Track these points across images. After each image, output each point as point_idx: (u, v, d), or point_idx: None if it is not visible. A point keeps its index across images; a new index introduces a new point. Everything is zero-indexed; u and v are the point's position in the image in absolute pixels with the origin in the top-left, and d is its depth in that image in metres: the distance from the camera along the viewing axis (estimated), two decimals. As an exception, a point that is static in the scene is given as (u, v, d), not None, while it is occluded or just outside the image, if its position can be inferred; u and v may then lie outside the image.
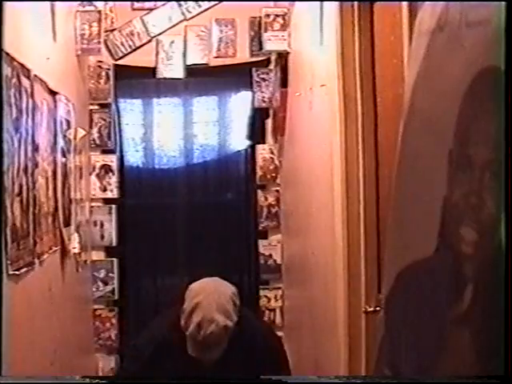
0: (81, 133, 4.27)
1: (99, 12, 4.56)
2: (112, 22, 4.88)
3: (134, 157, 5.23)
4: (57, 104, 3.57)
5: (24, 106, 2.84)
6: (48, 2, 3.59)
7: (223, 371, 3.02)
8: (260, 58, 5.02)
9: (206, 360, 3.01)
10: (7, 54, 2.57)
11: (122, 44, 4.93)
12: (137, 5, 4.96)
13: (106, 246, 4.98)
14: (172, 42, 4.98)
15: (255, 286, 5.12)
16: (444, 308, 1.35)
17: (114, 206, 4.97)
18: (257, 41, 4.90)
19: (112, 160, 5.00)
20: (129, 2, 4.94)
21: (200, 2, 4.91)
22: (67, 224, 3.79)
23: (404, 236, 1.59)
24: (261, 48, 4.81)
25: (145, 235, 5.16)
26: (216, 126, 5.28)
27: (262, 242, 5.11)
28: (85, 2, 4.56)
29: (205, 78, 5.19)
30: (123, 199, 5.07)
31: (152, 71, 5.00)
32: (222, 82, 5.27)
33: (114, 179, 4.97)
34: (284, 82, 4.68)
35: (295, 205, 4.48)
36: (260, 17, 4.74)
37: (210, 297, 3.04)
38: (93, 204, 4.90)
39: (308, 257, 3.91)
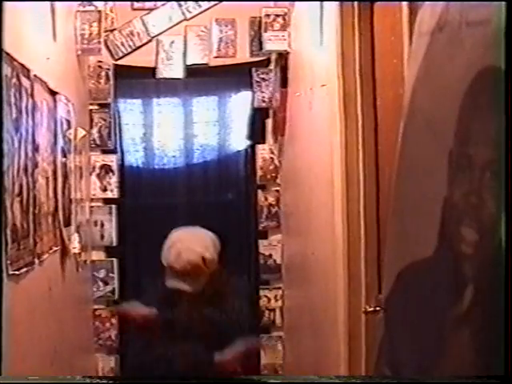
0: (81, 133, 4.27)
1: (99, 12, 4.56)
2: (112, 22, 4.87)
3: (134, 157, 5.23)
4: (57, 104, 3.57)
5: (24, 105, 2.84)
6: (48, 2, 3.59)
7: (200, 308, 3.03)
8: (260, 58, 5.02)
9: (184, 292, 3.02)
10: (7, 53, 2.57)
11: (122, 44, 4.93)
12: (137, 5, 4.96)
13: (106, 246, 4.98)
14: (172, 42, 4.98)
15: (255, 286, 5.12)
16: (444, 308, 1.35)
17: (113, 206, 4.97)
18: (257, 41, 4.89)
19: (112, 160, 5.00)
20: (129, 2, 4.94)
21: (200, 2, 4.91)
22: (67, 224, 3.78)
23: (404, 236, 1.59)
24: (261, 48, 4.81)
25: (145, 235, 5.16)
26: (216, 125, 5.28)
27: (262, 242, 5.10)
28: (85, 2, 4.56)
29: (205, 78, 5.19)
30: (123, 199, 5.07)
31: (152, 71, 4.99)
32: (221, 82, 5.26)
33: (114, 179, 4.97)
34: (284, 82, 4.68)
35: (295, 205, 4.48)
36: (260, 17, 4.74)
37: (190, 233, 3.17)
38: (93, 204, 4.89)
39: (308, 257, 3.91)
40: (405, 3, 2.19)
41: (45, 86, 3.30)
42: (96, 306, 4.96)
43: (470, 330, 1.26)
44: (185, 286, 3.02)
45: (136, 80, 5.19)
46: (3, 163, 2.46)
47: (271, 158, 5.07)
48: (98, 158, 4.96)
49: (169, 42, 4.97)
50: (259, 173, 5.08)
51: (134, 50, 4.94)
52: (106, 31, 4.72)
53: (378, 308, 2.60)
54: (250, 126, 5.19)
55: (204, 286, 3.05)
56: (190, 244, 3.07)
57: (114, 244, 4.97)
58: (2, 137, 2.44)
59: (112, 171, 4.97)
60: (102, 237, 4.94)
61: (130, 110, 5.23)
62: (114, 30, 4.89)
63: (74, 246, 3.96)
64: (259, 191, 5.10)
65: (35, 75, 3.04)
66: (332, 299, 3.18)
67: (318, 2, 3.40)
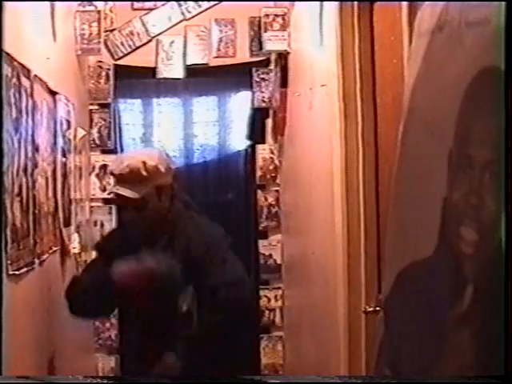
0: (81, 133, 4.27)
1: (99, 12, 4.56)
2: (112, 22, 4.87)
3: (134, 157, 5.23)
4: (57, 104, 3.57)
5: (24, 105, 2.84)
6: (48, 2, 3.58)
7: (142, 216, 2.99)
8: (260, 58, 5.02)
9: (127, 199, 2.98)
10: (7, 53, 2.57)
11: (122, 44, 4.93)
12: (137, 5, 4.96)
13: (105, 246, 4.98)
14: (172, 42, 4.98)
15: (255, 286, 5.11)
16: (444, 308, 1.35)
17: (113, 206, 4.97)
18: (257, 41, 4.90)
19: (112, 160, 5.00)
20: (129, 2, 4.94)
21: (200, 2, 4.91)
22: (67, 224, 3.78)
23: (404, 236, 1.59)
24: (261, 48, 4.81)
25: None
26: (216, 125, 5.28)
27: (262, 242, 5.10)
28: (85, 2, 4.56)
29: (205, 78, 5.19)
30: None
31: (152, 71, 5.00)
32: (221, 82, 5.26)
33: (113, 179, 4.96)
34: (284, 82, 4.68)
35: (295, 205, 4.48)
36: (260, 17, 4.74)
37: (138, 149, 3.13)
38: (93, 204, 4.89)
39: (308, 257, 3.91)
40: (404, 3, 2.19)
41: (45, 86, 3.30)
42: (96, 306, 4.96)
43: (469, 330, 1.26)
44: (124, 191, 2.99)
45: (136, 80, 5.19)
46: (3, 163, 2.46)
47: (271, 158, 5.07)
48: (98, 158, 4.96)
49: (169, 41, 4.98)
50: (259, 173, 5.07)
51: (134, 49, 4.94)
52: (105, 31, 4.72)
53: (377, 308, 2.60)
54: (250, 126, 5.19)
55: (146, 196, 3.00)
56: (133, 153, 3.09)
57: (114, 244, 4.97)
58: (2, 137, 2.44)
59: (112, 171, 4.97)
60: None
61: (130, 110, 5.23)
62: (114, 29, 4.90)
63: (74, 246, 3.96)
64: (259, 191, 5.10)
65: (35, 75, 3.03)
66: (332, 299, 3.18)
67: (318, 2, 3.40)
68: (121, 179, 2.99)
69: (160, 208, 3.03)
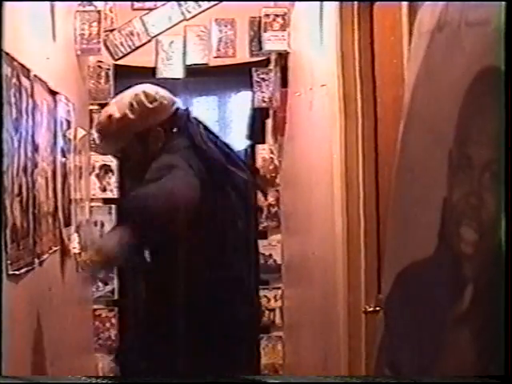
0: (81, 133, 4.27)
1: (99, 12, 4.56)
2: (112, 22, 4.87)
3: (134, 157, 5.22)
4: (57, 104, 3.57)
5: (24, 106, 2.84)
6: (48, 2, 3.58)
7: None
8: (260, 58, 5.02)
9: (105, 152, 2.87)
10: (7, 54, 2.57)
11: (122, 44, 4.93)
12: (137, 5, 4.96)
13: (105, 246, 4.98)
14: (172, 42, 4.98)
15: (255, 286, 5.10)
16: (444, 308, 1.35)
17: (113, 206, 4.97)
18: (257, 41, 4.89)
19: (112, 160, 4.99)
20: (129, 2, 4.94)
21: (200, 2, 4.91)
22: (67, 224, 3.78)
23: (404, 236, 1.59)
24: (261, 48, 4.81)
25: (145, 235, 5.14)
26: (216, 126, 5.28)
27: (262, 242, 5.09)
28: (85, 2, 4.56)
29: (205, 78, 5.19)
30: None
31: (152, 71, 5.00)
32: (221, 82, 5.26)
33: (113, 179, 4.97)
34: (284, 82, 4.68)
35: (295, 205, 4.48)
36: (260, 17, 4.75)
37: (122, 93, 2.97)
38: (93, 204, 4.89)
39: (308, 257, 3.91)
40: (405, 3, 2.20)
41: (45, 86, 3.30)
42: (96, 306, 4.96)
43: (469, 330, 1.26)
44: (101, 148, 2.92)
45: (136, 80, 5.16)
46: (3, 163, 2.46)
47: (271, 157, 5.07)
48: (98, 158, 4.96)
49: (168, 42, 4.97)
50: (259, 173, 5.07)
51: (134, 49, 4.94)
52: (105, 31, 4.72)
53: (377, 308, 2.60)
54: (250, 126, 5.19)
55: (124, 147, 2.81)
56: (113, 102, 2.88)
57: (114, 244, 4.96)
58: (2, 137, 2.44)
59: (112, 171, 4.97)
60: (102, 237, 4.94)
61: (129, 110, 5.22)
62: (114, 29, 4.89)
63: (74, 246, 3.96)
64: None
65: (35, 75, 3.03)
66: (332, 299, 3.18)
67: (318, 2, 3.40)
68: (98, 133, 2.90)
69: (146, 154, 2.80)
